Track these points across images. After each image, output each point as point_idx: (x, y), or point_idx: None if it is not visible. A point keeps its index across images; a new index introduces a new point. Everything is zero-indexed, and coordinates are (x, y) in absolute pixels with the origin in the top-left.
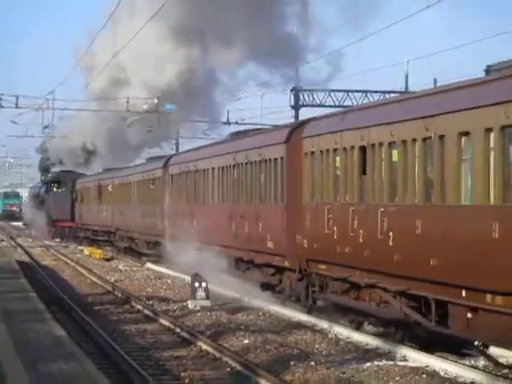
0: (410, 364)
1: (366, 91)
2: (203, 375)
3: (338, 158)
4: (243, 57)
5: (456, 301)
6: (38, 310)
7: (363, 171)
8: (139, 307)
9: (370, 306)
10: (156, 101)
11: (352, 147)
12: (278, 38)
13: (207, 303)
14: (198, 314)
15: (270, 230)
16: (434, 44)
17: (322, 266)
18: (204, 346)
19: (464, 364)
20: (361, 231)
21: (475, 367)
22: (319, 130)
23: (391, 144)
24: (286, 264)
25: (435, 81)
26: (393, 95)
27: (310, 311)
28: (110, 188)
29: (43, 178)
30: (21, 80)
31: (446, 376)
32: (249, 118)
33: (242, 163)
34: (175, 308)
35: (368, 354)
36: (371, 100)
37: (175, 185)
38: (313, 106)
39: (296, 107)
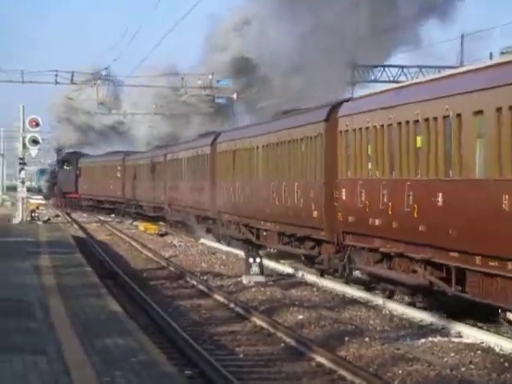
0: (465, 340)
1: (420, 66)
2: (258, 350)
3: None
4: None
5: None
6: (94, 284)
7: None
8: (194, 282)
9: (247, 233)
10: (210, 76)
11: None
12: None
13: (261, 279)
14: (253, 289)
15: (206, 196)
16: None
17: (226, 216)
18: (258, 322)
19: None
20: (223, 193)
21: None
22: (224, 139)
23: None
24: (212, 215)
25: (491, 55)
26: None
27: (224, 242)
28: (120, 168)
29: (58, 157)
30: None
31: (501, 352)
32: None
33: (190, 156)
34: (229, 283)
35: (422, 330)
36: (426, 76)
37: (169, 167)
38: (368, 81)
39: (351, 83)
